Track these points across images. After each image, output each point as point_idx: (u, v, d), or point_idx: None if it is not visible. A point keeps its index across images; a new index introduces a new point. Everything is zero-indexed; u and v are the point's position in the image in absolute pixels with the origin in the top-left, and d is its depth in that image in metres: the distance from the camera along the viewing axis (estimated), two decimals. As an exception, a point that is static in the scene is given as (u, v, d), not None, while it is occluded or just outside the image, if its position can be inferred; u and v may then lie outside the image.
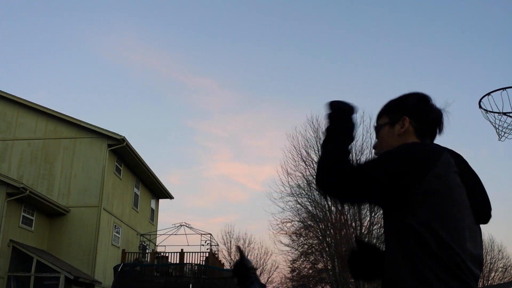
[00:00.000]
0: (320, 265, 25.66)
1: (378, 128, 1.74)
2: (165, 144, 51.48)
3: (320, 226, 23.49)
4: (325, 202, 22.15)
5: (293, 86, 48.96)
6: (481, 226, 1.57)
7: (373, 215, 21.66)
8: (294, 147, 24.07)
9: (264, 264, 34.68)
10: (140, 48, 45.01)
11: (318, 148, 23.33)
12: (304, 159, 23.63)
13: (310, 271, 26.96)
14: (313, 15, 45.44)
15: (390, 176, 1.41)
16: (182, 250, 19.47)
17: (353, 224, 22.24)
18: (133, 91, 49.16)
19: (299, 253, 25.38)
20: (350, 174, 1.46)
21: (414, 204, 1.41)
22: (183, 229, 21.83)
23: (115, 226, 20.97)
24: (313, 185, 22.71)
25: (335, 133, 1.62)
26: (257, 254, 35.10)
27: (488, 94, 9.30)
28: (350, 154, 1.57)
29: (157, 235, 23.69)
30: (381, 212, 2.00)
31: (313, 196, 23.08)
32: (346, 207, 21.92)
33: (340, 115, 1.66)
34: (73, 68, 45.66)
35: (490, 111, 9.37)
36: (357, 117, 1.70)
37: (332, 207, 22.48)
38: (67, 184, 19.66)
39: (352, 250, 1.74)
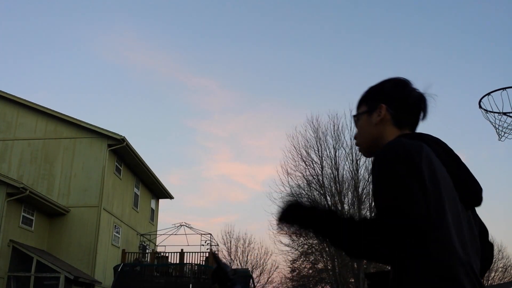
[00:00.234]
0: (320, 265, 25.67)
1: (357, 117, 1.65)
2: (165, 144, 51.51)
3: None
4: (325, 202, 22.11)
5: (293, 86, 49.00)
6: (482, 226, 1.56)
7: (373, 215, 21.60)
8: (294, 147, 24.07)
9: (264, 264, 34.73)
10: (140, 48, 45.04)
11: (318, 148, 23.36)
12: (304, 159, 23.63)
13: (310, 271, 26.99)
14: (313, 15, 45.49)
15: (407, 185, 1.29)
16: (182, 250, 19.46)
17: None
18: (133, 91, 49.17)
19: (299, 253, 25.41)
20: (384, 227, 1.27)
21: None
22: (183, 229, 21.84)
23: (115, 226, 20.98)
24: (313, 185, 22.72)
25: (320, 229, 1.47)
26: (257, 254, 35.18)
27: (488, 94, 9.31)
28: (352, 218, 1.40)
29: (157, 235, 23.68)
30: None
31: (313, 196, 22.97)
32: (346, 207, 21.95)
33: (297, 220, 1.52)
34: (73, 68, 45.69)
35: (490, 111, 9.38)
36: (302, 200, 1.54)
37: (332, 207, 22.42)
38: (67, 184, 19.66)
39: (369, 286, 1.64)
